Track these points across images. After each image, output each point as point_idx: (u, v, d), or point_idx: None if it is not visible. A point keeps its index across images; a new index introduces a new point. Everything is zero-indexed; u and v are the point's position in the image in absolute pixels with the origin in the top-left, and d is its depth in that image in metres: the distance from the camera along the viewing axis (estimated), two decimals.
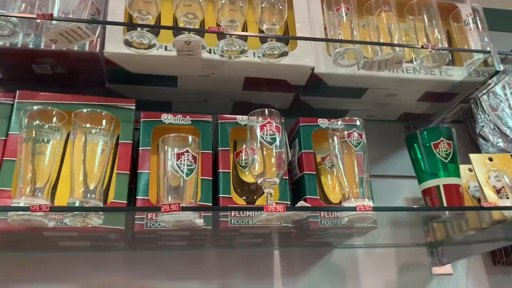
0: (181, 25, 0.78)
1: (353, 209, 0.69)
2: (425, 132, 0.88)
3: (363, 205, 0.68)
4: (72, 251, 0.90)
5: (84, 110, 0.71)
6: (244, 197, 0.85)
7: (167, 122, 0.83)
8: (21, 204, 0.63)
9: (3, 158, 0.73)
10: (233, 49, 0.80)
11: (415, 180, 0.91)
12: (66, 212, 0.65)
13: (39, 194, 0.65)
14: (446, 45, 0.89)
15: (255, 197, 0.85)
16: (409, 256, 1.08)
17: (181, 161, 0.71)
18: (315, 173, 0.85)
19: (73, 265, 0.91)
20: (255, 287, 0.96)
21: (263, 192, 0.86)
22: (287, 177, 0.85)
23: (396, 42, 0.86)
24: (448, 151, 0.86)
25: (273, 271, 0.99)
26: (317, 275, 1.00)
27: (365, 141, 0.77)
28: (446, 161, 0.86)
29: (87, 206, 0.66)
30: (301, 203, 0.72)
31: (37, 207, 0.59)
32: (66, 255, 0.90)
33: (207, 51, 0.83)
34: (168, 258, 0.95)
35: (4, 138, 0.75)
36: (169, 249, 0.94)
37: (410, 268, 1.07)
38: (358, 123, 0.78)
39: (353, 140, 0.76)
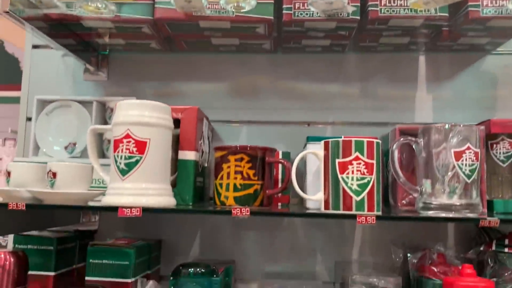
0: None
1: None
2: None
3: None
4: (222, 52, 0.96)
5: None
6: None
7: None
8: None
9: None
10: None
11: None
12: None
13: None
14: None
15: None
16: None
17: None
18: None
19: (222, 65, 0.97)
20: (397, 91, 0.95)
21: None
22: None
23: None
24: None
25: (417, 75, 0.95)
26: (465, 81, 0.94)
27: None
28: None
29: None
30: None
31: None
32: (217, 57, 0.97)
33: None
34: (310, 61, 0.96)
35: None
36: (311, 52, 0.94)
37: None
38: None
39: None
